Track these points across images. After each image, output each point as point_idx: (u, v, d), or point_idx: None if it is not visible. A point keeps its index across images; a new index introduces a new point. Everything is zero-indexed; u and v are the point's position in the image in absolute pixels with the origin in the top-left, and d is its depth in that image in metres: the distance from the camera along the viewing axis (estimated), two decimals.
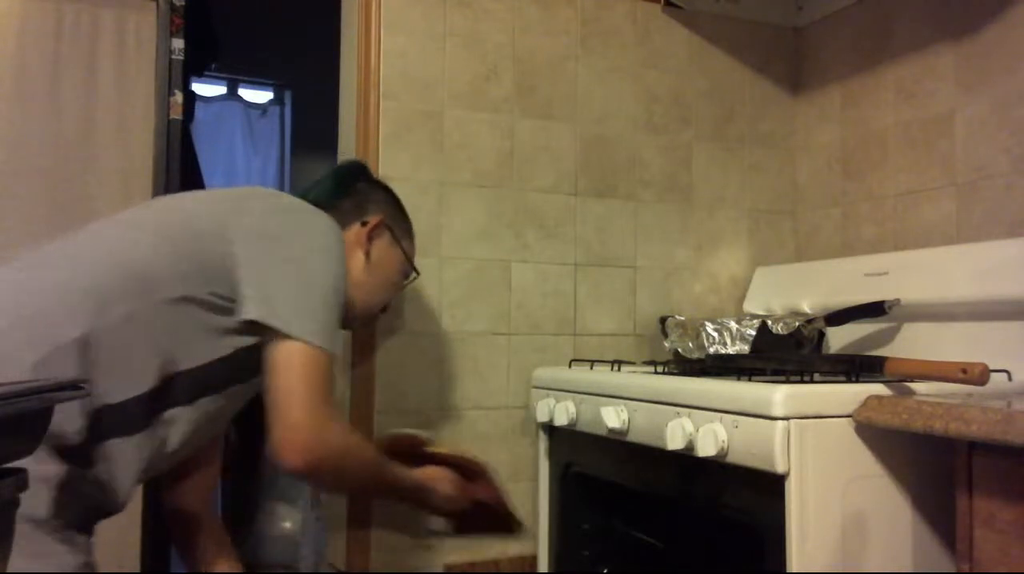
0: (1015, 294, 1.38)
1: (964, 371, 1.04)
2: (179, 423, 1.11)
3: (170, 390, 1.09)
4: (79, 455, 1.01)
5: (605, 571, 1.64)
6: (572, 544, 1.65)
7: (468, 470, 1.40)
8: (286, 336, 1.09)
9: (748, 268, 2.00)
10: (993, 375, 1.08)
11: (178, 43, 1.81)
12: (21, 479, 0.59)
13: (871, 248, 1.84)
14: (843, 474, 1.11)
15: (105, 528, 1.10)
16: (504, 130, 1.79)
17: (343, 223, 1.29)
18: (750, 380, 1.22)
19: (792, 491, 1.08)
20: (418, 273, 1.47)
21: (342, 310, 1.17)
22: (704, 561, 1.44)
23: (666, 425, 1.23)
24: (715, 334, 1.65)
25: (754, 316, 1.71)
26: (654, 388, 1.33)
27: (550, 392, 1.62)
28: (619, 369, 1.56)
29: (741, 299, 1.97)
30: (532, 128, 1.82)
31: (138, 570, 1.68)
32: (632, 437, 1.36)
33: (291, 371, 1.08)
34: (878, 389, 1.13)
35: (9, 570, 0.91)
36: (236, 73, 4.00)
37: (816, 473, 1.09)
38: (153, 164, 1.77)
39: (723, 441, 1.14)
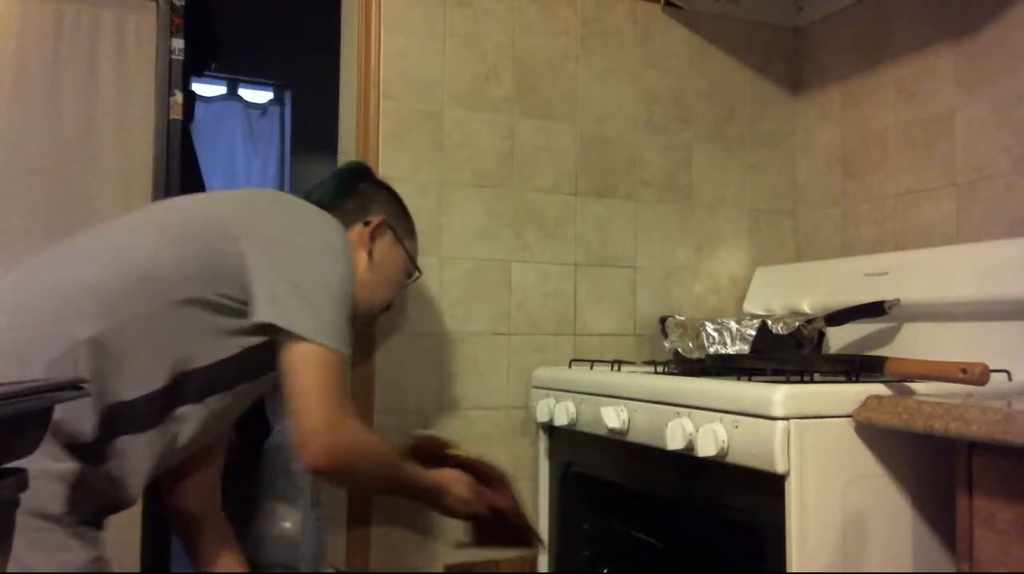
0: (1015, 294, 1.38)
1: (964, 371, 1.05)
2: (189, 420, 1.13)
3: (180, 388, 1.11)
4: (92, 452, 1.03)
5: (605, 571, 1.64)
6: (572, 544, 1.65)
7: (486, 476, 1.40)
8: (299, 338, 1.10)
9: (748, 268, 2.00)
10: (993, 375, 1.08)
11: (178, 43, 1.81)
12: (21, 479, 0.59)
13: (871, 248, 1.84)
14: (843, 474, 1.11)
15: (105, 528, 1.11)
16: (504, 130, 1.79)
17: (346, 223, 1.30)
18: (750, 380, 1.22)
19: (792, 491, 1.08)
20: (421, 272, 1.48)
21: (351, 310, 1.18)
22: (704, 561, 1.44)
23: (666, 425, 1.23)
24: (715, 334, 1.65)
25: (754, 316, 1.71)
26: (654, 388, 1.33)
27: (550, 392, 1.63)
28: (619, 369, 1.56)
29: (741, 299, 1.97)
30: (532, 128, 1.82)
31: (138, 570, 1.68)
32: (632, 437, 1.36)
33: (305, 374, 1.10)
34: (878, 389, 1.13)
35: (25, 564, 0.92)
36: (236, 73, 4.00)
37: (816, 473, 1.09)
38: (153, 164, 1.77)
39: (723, 441, 1.14)
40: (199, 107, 3.46)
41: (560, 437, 1.65)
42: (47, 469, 0.97)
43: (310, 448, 1.10)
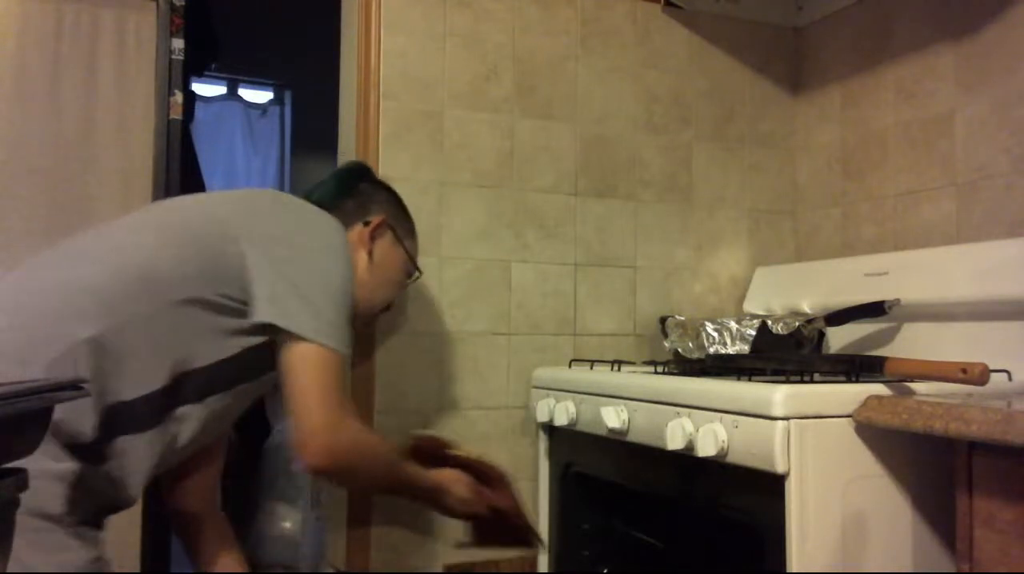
0: (1015, 294, 1.38)
1: (964, 371, 1.04)
2: (189, 420, 1.13)
3: (180, 388, 1.11)
4: (92, 452, 1.03)
5: (605, 571, 1.64)
6: (572, 544, 1.65)
7: (486, 476, 1.40)
8: (299, 338, 1.10)
9: (748, 268, 2.00)
10: (993, 375, 1.08)
11: (178, 43, 1.81)
12: (21, 479, 0.59)
13: (871, 248, 1.84)
14: (843, 474, 1.11)
15: (105, 528, 1.11)
16: (504, 130, 1.79)
17: (346, 223, 1.30)
18: (750, 380, 1.22)
19: (792, 491, 1.08)
20: (421, 272, 1.48)
21: (351, 310, 1.18)
22: (704, 561, 1.44)
23: (666, 425, 1.23)
24: (715, 334, 1.65)
25: (754, 316, 1.71)
26: (654, 388, 1.33)
27: (550, 392, 1.63)
28: (619, 369, 1.56)
29: (741, 299, 1.97)
30: (532, 128, 1.82)
31: (138, 570, 1.68)
32: (632, 437, 1.36)
33: (305, 374, 1.10)
34: (878, 389, 1.13)
35: (25, 564, 0.92)
36: (236, 73, 4.00)
37: (816, 473, 1.09)
38: (153, 164, 1.77)
39: (723, 441, 1.14)
40: (199, 107, 3.46)
41: (560, 437, 1.65)
42: (47, 469, 0.97)
43: (310, 448, 1.10)
